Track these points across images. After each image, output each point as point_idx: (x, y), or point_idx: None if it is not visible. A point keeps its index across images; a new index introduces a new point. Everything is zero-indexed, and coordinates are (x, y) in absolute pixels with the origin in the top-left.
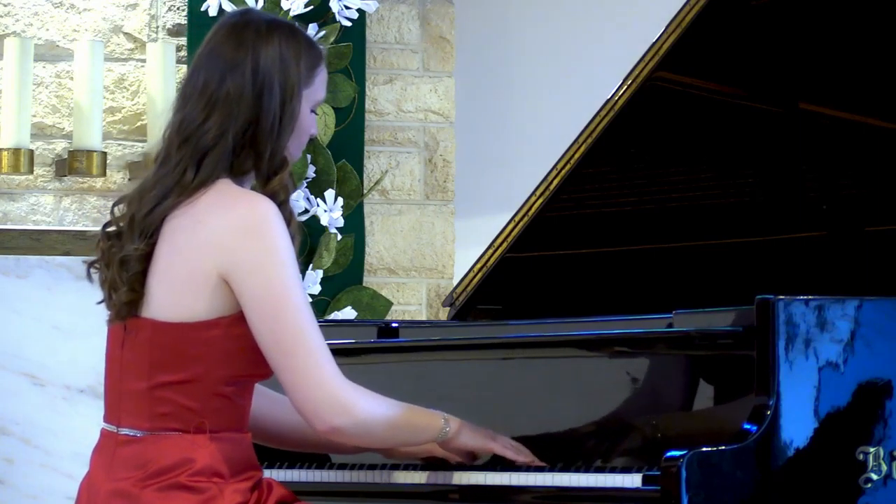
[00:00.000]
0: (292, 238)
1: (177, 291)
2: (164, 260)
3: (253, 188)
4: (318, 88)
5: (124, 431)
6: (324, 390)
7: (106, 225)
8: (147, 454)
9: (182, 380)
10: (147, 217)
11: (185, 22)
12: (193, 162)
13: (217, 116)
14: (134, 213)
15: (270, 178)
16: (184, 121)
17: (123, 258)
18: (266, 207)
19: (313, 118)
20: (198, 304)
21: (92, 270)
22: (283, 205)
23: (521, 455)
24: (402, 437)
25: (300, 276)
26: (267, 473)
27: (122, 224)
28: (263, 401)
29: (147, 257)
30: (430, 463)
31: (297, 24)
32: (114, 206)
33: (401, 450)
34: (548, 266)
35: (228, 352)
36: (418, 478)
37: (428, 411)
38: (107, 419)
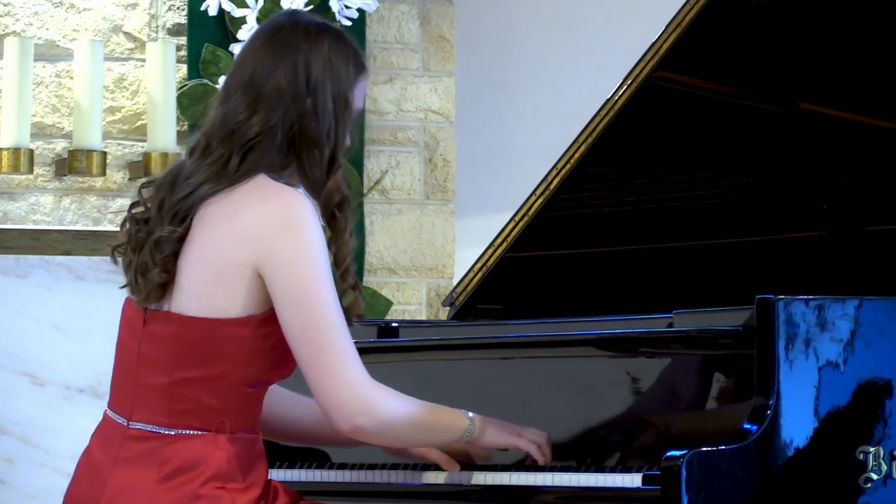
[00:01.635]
0: (339, 238)
1: (209, 282)
2: (198, 247)
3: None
4: (359, 97)
5: (137, 425)
6: (350, 390)
7: (132, 206)
8: (164, 452)
9: (206, 376)
10: (182, 202)
11: (185, 21)
12: (238, 153)
13: (263, 112)
14: (164, 196)
15: (326, 181)
16: (227, 114)
17: (158, 239)
18: (303, 202)
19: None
20: (228, 298)
21: (116, 254)
22: (341, 206)
23: (542, 453)
24: (426, 438)
25: (332, 274)
26: None
27: (149, 206)
28: (276, 397)
29: (180, 241)
30: (429, 463)
31: (344, 31)
32: (141, 187)
33: (416, 450)
34: (548, 266)
35: (254, 351)
36: (418, 478)
37: (452, 411)
38: (113, 407)
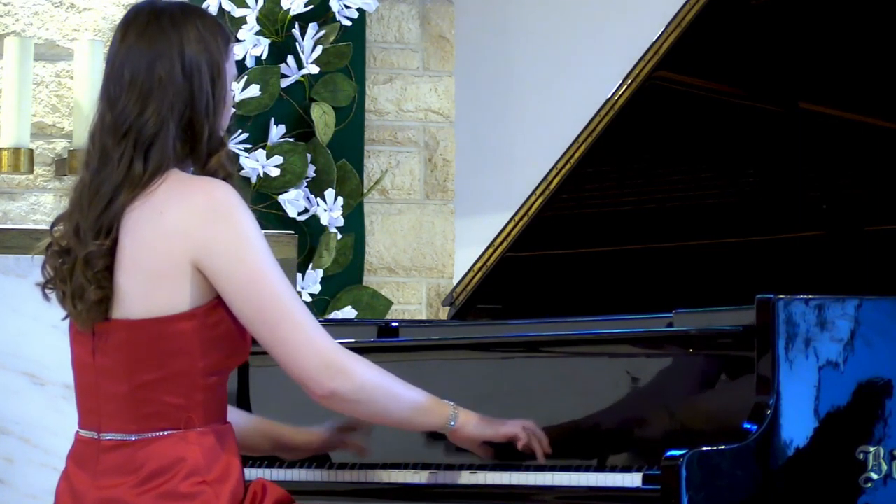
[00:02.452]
0: None
1: (147, 285)
2: (129, 254)
3: (193, 173)
4: (232, 62)
5: (108, 436)
6: (318, 356)
7: (48, 247)
8: (137, 458)
9: (164, 376)
10: (101, 216)
11: None
12: (140, 153)
13: (154, 105)
14: (78, 220)
15: (209, 159)
16: (118, 118)
17: (87, 256)
18: (223, 190)
19: (233, 92)
20: (170, 296)
21: (47, 291)
22: (226, 181)
23: (534, 441)
24: (405, 414)
25: (271, 251)
26: (267, 473)
27: (67, 239)
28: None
29: (110, 253)
30: (429, 463)
31: (201, 7)
32: (52, 227)
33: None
34: (548, 265)
35: (207, 341)
36: (417, 477)
37: (437, 399)
38: (83, 426)
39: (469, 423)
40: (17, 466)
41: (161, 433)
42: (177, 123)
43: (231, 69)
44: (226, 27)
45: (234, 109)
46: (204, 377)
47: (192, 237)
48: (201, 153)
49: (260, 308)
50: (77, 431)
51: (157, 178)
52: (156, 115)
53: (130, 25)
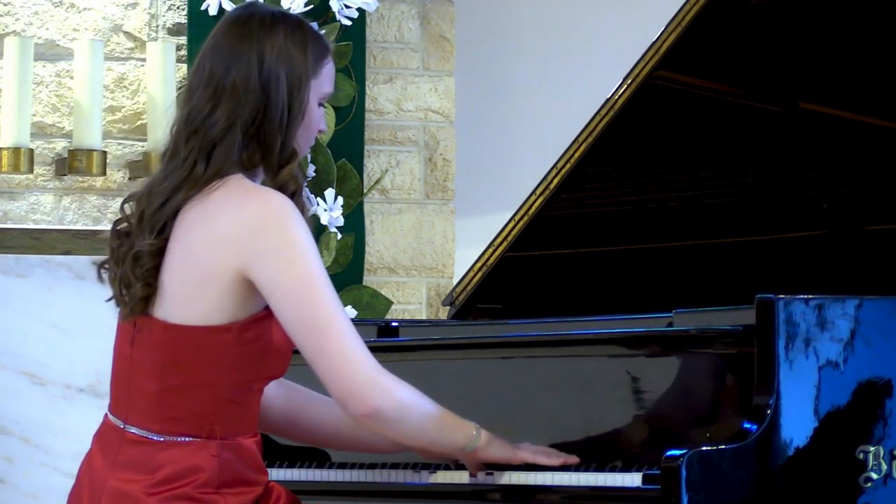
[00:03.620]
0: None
1: (191, 290)
2: (178, 255)
3: (263, 183)
4: (325, 81)
5: (132, 430)
6: (362, 372)
7: (116, 223)
8: (156, 459)
9: (193, 384)
10: (158, 212)
11: (186, 21)
12: (203, 154)
13: (224, 107)
14: (144, 208)
15: (280, 171)
16: (191, 113)
17: (137, 254)
18: (279, 201)
19: (321, 112)
20: (211, 305)
21: (102, 271)
22: (294, 196)
23: (554, 458)
24: (437, 434)
25: (323, 264)
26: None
27: (132, 221)
28: (300, 398)
29: (160, 252)
30: (429, 463)
31: (302, 18)
32: (123, 202)
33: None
34: (548, 265)
35: (240, 357)
36: (417, 477)
37: (459, 417)
38: (113, 410)
39: (491, 445)
40: (17, 466)
41: (182, 439)
42: (245, 131)
43: (320, 87)
44: (322, 40)
45: (322, 126)
46: (230, 391)
47: (242, 246)
48: (273, 164)
49: (307, 318)
50: (106, 414)
51: (216, 181)
52: (225, 117)
53: (223, 23)
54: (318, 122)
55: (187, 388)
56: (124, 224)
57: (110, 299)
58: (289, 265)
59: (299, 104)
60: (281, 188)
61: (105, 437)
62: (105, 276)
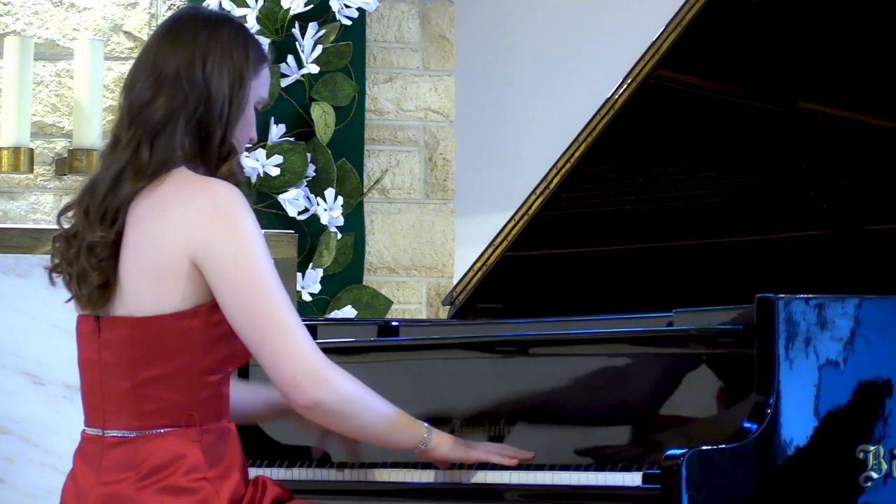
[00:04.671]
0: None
1: (150, 282)
2: (133, 249)
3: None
4: (262, 84)
5: (112, 433)
6: (304, 364)
7: (55, 239)
8: (139, 454)
9: (166, 373)
10: (104, 202)
11: None
12: (146, 141)
13: (165, 95)
14: (88, 203)
15: (219, 166)
16: (132, 103)
17: (90, 244)
18: (228, 191)
19: (254, 116)
20: (174, 293)
21: (54, 275)
22: None
23: (508, 457)
24: (383, 431)
25: (270, 256)
26: (267, 472)
27: (74, 226)
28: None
29: (114, 245)
30: (429, 463)
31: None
32: (59, 215)
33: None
34: (548, 265)
35: (210, 339)
36: (417, 477)
37: (411, 418)
38: (89, 423)
39: (442, 445)
40: (17, 466)
41: (162, 430)
42: (187, 120)
43: (258, 89)
44: (261, 46)
45: (253, 134)
46: (205, 375)
47: (192, 235)
48: (212, 157)
49: (250, 310)
50: (83, 430)
51: (164, 173)
52: (166, 104)
53: (169, 20)
54: (253, 123)
55: (161, 379)
56: (66, 231)
57: (70, 300)
58: (234, 257)
59: (239, 101)
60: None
61: (85, 451)
62: (58, 280)
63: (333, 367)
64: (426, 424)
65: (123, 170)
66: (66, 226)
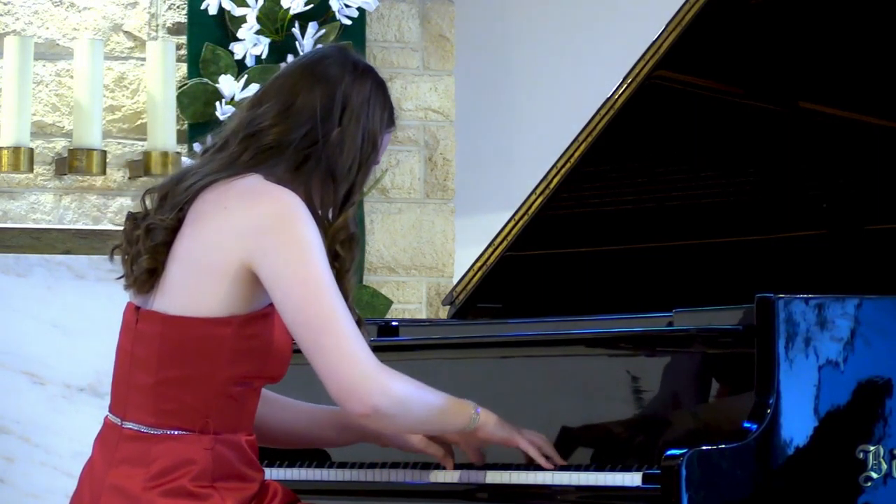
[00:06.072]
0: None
1: (193, 279)
2: (188, 242)
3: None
4: (385, 145)
5: (129, 425)
6: (362, 371)
7: (128, 215)
8: (151, 453)
9: (187, 376)
10: (182, 189)
11: (185, 20)
12: (252, 150)
13: (287, 124)
14: (168, 191)
15: (335, 217)
16: (254, 119)
17: (150, 226)
18: (291, 199)
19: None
20: (213, 295)
21: (115, 252)
22: (345, 244)
23: (544, 457)
24: (437, 421)
25: (329, 266)
26: (267, 472)
27: (153, 204)
28: (268, 407)
29: (173, 231)
30: (429, 463)
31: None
32: (144, 195)
33: (413, 444)
34: (548, 265)
35: (238, 352)
36: (417, 477)
37: (457, 399)
38: (112, 410)
39: (489, 423)
40: (17, 466)
41: (176, 432)
42: (299, 152)
43: (383, 147)
44: (394, 110)
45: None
46: (228, 386)
47: (250, 240)
48: (330, 204)
49: (306, 314)
50: (106, 415)
51: (240, 176)
52: (282, 133)
53: (315, 57)
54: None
55: (183, 381)
56: (141, 210)
57: (120, 277)
58: (294, 261)
59: (370, 157)
60: (335, 234)
61: (105, 437)
62: (117, 257)
63: (387, 370)
64: (472, 403)
65: (216, 171)
66: (149, 206)
